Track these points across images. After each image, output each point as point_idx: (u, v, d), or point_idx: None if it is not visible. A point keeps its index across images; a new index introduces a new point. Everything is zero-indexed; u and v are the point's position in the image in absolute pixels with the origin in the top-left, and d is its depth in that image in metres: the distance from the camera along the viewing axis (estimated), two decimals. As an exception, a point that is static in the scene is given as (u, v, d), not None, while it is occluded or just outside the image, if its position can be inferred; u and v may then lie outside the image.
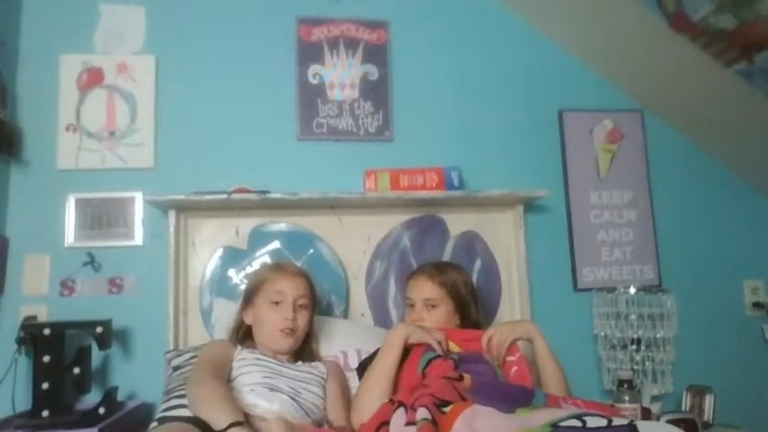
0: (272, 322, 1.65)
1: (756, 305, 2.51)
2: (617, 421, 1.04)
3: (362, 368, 1.71)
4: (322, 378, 1.66)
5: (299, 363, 1.69)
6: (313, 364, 1.70)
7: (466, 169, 2.30)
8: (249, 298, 1.74)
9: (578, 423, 1.05)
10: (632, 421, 1.05)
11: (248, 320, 1.73)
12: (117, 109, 2.26)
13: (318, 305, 1.90)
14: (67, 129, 2.22)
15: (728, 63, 2.19)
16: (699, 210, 2.58)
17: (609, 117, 2.57)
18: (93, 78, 2.26)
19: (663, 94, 2.53)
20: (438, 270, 1.82)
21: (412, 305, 1.80)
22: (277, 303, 1.66)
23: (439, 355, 1.54)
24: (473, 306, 1.82)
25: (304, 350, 1.77)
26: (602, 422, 1.04)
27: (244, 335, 1.74)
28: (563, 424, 1.05)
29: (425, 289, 1.78)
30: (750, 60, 2.13)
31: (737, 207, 2.61)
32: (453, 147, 2.43)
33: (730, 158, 2.60)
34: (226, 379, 1.53)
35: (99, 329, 1.87)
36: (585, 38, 2.51)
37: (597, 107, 2.57)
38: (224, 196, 2.06)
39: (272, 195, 2.09)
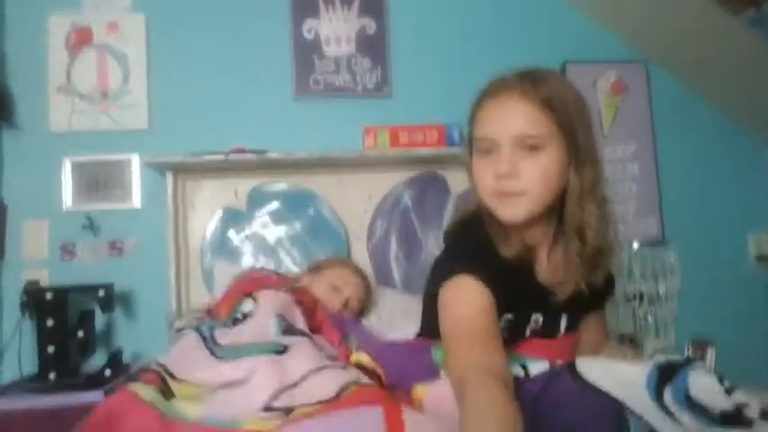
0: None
1: (761, 258, 2.50)
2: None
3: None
4: None
5: None
6: None
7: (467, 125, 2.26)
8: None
9: (521, 371, 1.00)
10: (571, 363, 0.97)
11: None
12: (108, 69, 2.21)
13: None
14: (59, 91, 2.17)
15: (736, 11, 2.12)
16: (703, 162, 2.54)
17: (613, 69, 2.51)
18: (82, 38, 2.20)
19: (667, 45, 2.46)
20: (537, 80, 1.01)
21: (489, 149, 1.03)
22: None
23: None
24: (595, 150, 1.04)
25: None
26: (545, 366, 0.98)
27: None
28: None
29: (521, 116, 0.99)
30: (758, 7, 2.06)
31: (742, 159, 2.57)
32: (454, 102, 2.34)
33: (736, 110, 2.54)
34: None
35: (101, 293, 1.87)
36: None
37: (601, 59, 2.50)
38: (222, 157, 2.03)
39: (270, 155, 2.06)
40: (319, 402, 1.03)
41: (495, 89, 1.04)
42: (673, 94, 2.54)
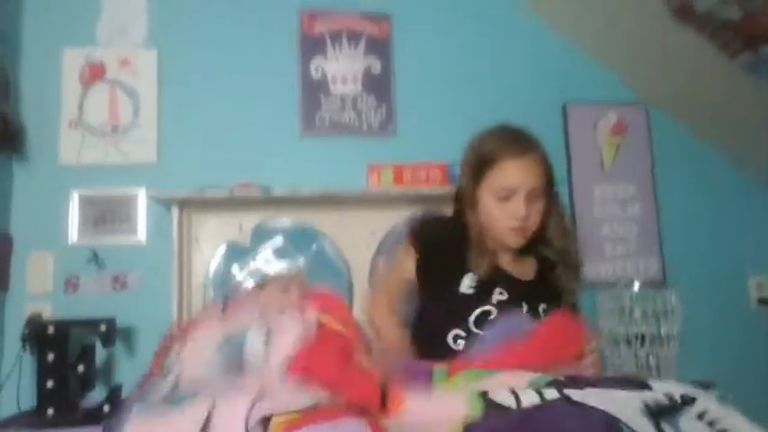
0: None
1: (762, 301, 2.50)
2: (548, 394, 0.88)
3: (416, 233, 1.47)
4: None
5: None
6: None
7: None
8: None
9: (512, 400, 0.89)
10: (563, 392, 0.87)
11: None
12: (119, 104, 2.25)
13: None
14: (70, 124, 2.21)
15: (734, 54, 2.17)
16: (703, 204, 2.56)
17: (613, 110, 2.55)
18: (95, 73, 2.25)
19: (667, 87, 2.50)
20: (541, 150, 1.38)
21: (507, 197, 1.33)
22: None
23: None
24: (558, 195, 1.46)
25: None
26: (536, 398, 0.88)
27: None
28: (497, 399, 0.88)
29: (536, 175, 1.34)
30: (755, 52, 2.11)
31: (743, 201, 2.59)
32: (457, 141, 2.39)
33: (735, 151, 2.57)
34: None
35: (103, 327, 1.87)
36: (589, 30, 2.49)
37: (601, 100, 2.55)
38: (227, 192, 2.06)
39: (274, 191, 2.08)
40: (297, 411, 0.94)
41: (516, 149, 1.35)
42: (673, 136, 2.58)
